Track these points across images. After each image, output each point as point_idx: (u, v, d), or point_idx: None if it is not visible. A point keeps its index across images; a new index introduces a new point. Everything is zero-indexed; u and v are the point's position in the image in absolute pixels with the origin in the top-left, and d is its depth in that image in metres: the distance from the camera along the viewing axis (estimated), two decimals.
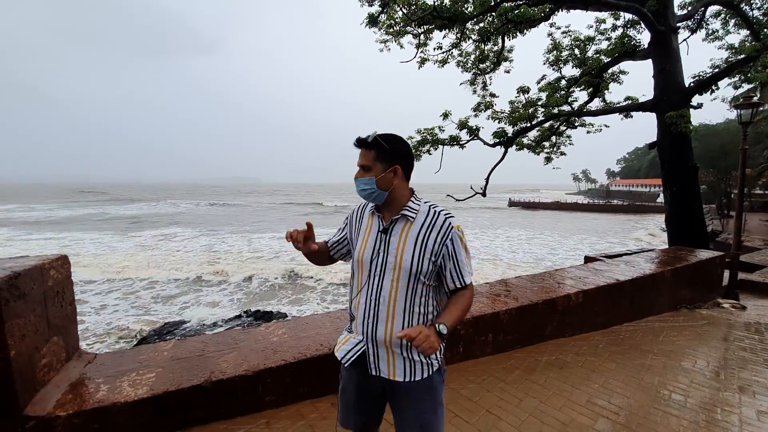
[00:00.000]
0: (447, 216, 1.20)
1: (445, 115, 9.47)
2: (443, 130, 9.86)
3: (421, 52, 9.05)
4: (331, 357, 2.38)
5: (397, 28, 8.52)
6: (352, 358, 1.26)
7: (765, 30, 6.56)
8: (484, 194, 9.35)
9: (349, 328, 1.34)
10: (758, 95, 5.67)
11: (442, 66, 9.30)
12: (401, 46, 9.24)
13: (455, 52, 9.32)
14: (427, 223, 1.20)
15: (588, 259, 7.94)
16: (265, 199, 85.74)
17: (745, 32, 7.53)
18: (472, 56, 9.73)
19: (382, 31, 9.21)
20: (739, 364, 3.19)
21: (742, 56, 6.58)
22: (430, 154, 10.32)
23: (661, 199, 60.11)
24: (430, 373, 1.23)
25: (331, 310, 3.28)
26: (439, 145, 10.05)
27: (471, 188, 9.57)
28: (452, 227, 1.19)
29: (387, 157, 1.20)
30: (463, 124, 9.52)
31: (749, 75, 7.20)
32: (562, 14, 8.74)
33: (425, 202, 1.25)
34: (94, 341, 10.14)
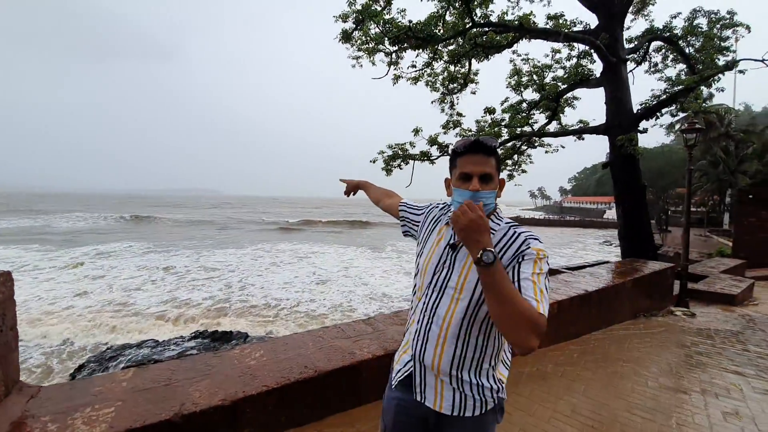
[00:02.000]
0: (528, 236, 1.00)
1: (416, 131, 9.71)
2: (414, 146, 10.08)
3: (395, 69, 9.27)
4: (317, 380, 2.23)
5: (371, 45, 8.67)
6: (401, 378, 1.14)
7: (699, 66, 7.45)
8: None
9: (403, 346, 1.20)
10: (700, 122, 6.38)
11: (415, 83, 9.56)
12: (373, 63, 9.40)
13: (427, 71, 9.63)
14: (503, 243, 1.02)
15: (551, 272, 8.35)
16: (199, 214, 65.09)
17: (681, 66, 8.53)
18: (441, 76, 10.14)
19: (354, 47, 9.35)
20: (698, 368, 3.42)
21: (681, 87, 7.42)
22: (401, 168, 10.47)
23: (607, 215, 65.40)
24: (484, 411, 1.06)
25: (311, 328, 3.11)
26: (410, 160, 10.25)
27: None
28: (529, 247, 0.98)
29: (499, 169, 1.10)
30: (433, 140, 9.80)
31: (684, 105, 8.13)
32: (523, 42, 9.40)
33: (506, 222, 1.08)
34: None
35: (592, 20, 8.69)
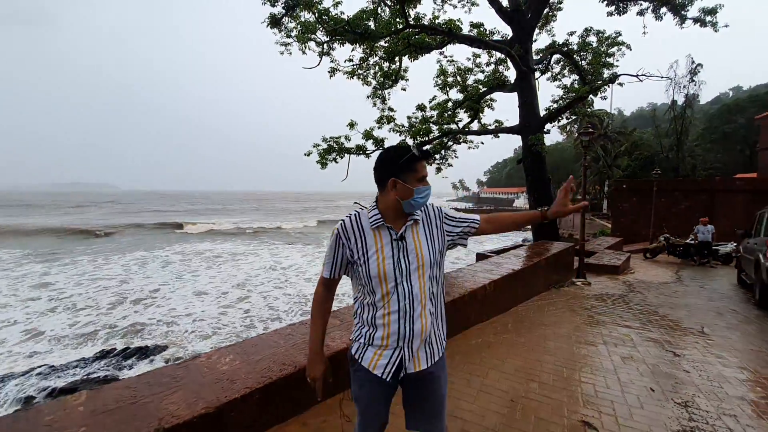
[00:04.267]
0: (431, 204, 1.40)
1: (351, 125, 9.79)
2: (349, 140, 10.16)
3: (330, 61, 9.17)
4: (298, 374, 2.28)
5: (301, 33, 8.43)
6: (392, 370, 1.28)
7: (589, 77, 8.96)
8: None
9: (372, 343, 1.30)
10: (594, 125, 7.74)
11: (351, 78, 9.59)
12: (304, 52, 9.17)
13: (364, 65, 9.73)
14: (425, 218, 1.35)
15: (480, 256, 9.32)
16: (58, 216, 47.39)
17: (575, 76, 10.11)
18: (372, 71, 10.34)
19: (283, 33, 8.99)
20: (599, 325, 4.29)
21: (574, 95, 8.85)
22: (336, 162, 10.47)
23: (515, 203, 74.16)
24: (444, 350, 1.37)
25: (279, 327, 3.07)
26: (346, 154, 10.31)
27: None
28: (438, 207, 1.41)
29: None
30: (368, 135, 10.00)
31: (577, 110, 9.70)
32: (449, 46, 10.12)
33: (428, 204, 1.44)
34: None
35: (507, 31, 9.79)
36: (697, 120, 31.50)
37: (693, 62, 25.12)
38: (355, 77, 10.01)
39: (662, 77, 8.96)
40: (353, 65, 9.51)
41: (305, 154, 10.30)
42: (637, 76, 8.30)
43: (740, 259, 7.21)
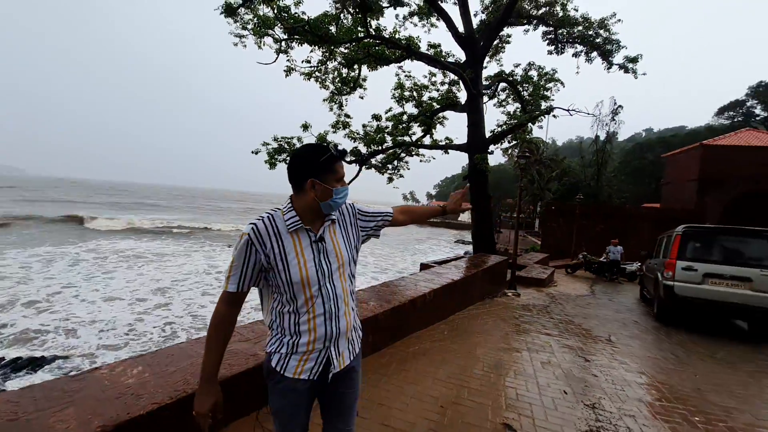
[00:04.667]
0: (351, 202, 1.42)
1: (305, 127, 9.59)
2: (302, 141, 9.94)
3: (286, 59, 8.94)
4: (221, 386, 2.11)
5: (258, 27, 8.13)
6: (319, 370, 1.24)
7: (530, 106, 9.82)
8: None
9: (296, 351, 1.22)
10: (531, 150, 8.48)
11: (308, 79, 9.42)
12: (260, 47, 8.85)
13: (322, 68, 9.62)
14: (339, 216, 1.35)
15: (423, 266, 9.60)
16: None
17: (517, 105, 11.03)
18: (330, 76, 10.29)
19: (238, 24, 8.61)
20: (524, 333, 4.62)
21: (515, 122, 9.64)
22: (286, 163, 10.16)
23: (460, 217, 78.39)
24: (361, 342, 1.42)
25: (200, 336, 2.83)
26: None
27: None
28: (351, 203, 1.42)
29: None
30: (321, 138, 9.88)
31: (518, 136, 10.56)
32: (407, 62, 10.46)
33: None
34: None
35: (461, 55, 10.39)
36: (615, 154, 36.10)
37: (615, 103, 28.92)
38: (312, 79, 9.87)
39: (589, 114, 10.17)
40: (311, 67, 9.37)
41: (253, 152, 9.87)
42: (568, 110, 9.32)
43: (643, 277, 8.31)
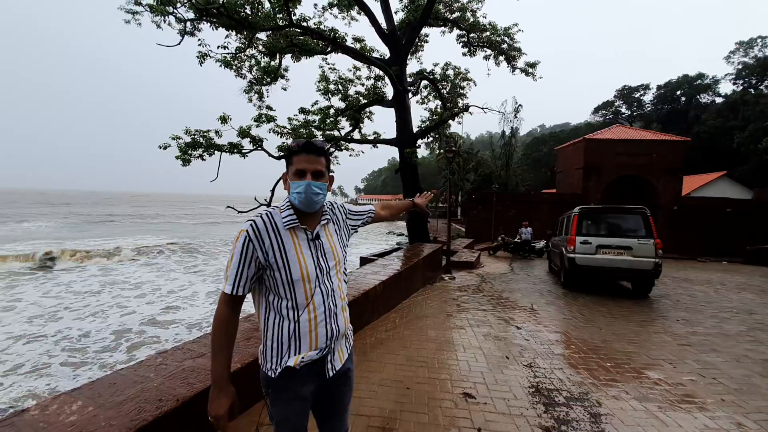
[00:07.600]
0: (331, 202, 1.40)
1: (224, 119, 8.79)
2: (221, 135, 9.10)
3: (199, 43, 8.05)
4: (182, 409, 1.90)
5: (157, 4, 7.18)
6: (319, 370, 1.23)
7: (449, 104, 10.54)
8: (269, 205, 9.40)
9: (298, 353, 1.19)
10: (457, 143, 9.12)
11: (226, 67, 8.64)
12: (158, 26, 7.81)
13: (241, 56, 8.90)
14: (333, 217, 1.37)
15: (363, 260, 9.70)
16: None
17: (438, 102, 11.73)
18: (247, 63, 9.53)
19: None
20: (464, 311, 5.05)
21: (437, 118, 10.26)
22: (203, 159, 9.22)
23: None
24: (353, 342, 1.42)
25: (143, 359, 2.47)
26: (216, 151, 9.18)
27: (255, 199, 9.35)
28: (341, 204, 1.47)
29: (329, 167, 1.29)
30: (244, 133, 9.15)
31: (439, 131, 11.26)
32: (332, 54, 10.29)
33: (328, 203, 1.42)
34: None
35: (385, 51, 10.61)
36: (518, 148, 40.86)
37: (516, 102, 32.60)
38: (228, 68, 9.07)
39: (499, 111, 11.37)
40: (227, 53, 8.59)
41: (161, 147, 8.60)
42: (482, 108, 10.27)
43: (549, 252, 9.67)
